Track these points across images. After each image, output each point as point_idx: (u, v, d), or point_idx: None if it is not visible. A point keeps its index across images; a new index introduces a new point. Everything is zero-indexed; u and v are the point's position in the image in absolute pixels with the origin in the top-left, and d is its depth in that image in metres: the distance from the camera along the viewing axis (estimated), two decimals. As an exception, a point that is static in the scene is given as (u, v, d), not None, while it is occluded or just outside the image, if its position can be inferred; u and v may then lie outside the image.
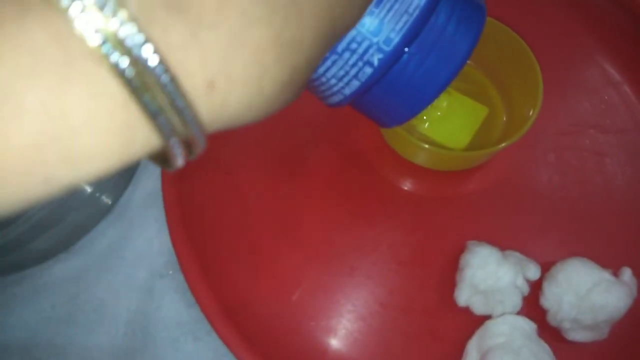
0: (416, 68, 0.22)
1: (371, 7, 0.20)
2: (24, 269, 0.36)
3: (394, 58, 0.21)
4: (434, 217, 0.36)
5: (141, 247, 0.36)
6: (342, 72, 0.21)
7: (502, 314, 0.32)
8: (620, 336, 0.32)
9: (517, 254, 0.33)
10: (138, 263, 0.36)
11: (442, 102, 0.38)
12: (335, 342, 0.33)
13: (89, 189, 0.36)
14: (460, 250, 0.34)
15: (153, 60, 0.12)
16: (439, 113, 0.38)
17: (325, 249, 0.35)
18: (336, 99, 0.23)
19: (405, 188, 0.37)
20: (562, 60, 0.41)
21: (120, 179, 0.38)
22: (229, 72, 0.13)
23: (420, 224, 0.36)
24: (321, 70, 0.21)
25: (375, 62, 0.21)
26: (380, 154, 0.38)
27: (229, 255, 0.34)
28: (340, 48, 0.21)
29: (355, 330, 0.33)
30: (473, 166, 0.37)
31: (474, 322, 0.32)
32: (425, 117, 0.38)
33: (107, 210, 0.37)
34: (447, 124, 0.38)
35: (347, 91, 0.22)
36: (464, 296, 0.32)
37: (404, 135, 0.33)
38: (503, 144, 0.33)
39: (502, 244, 0.34)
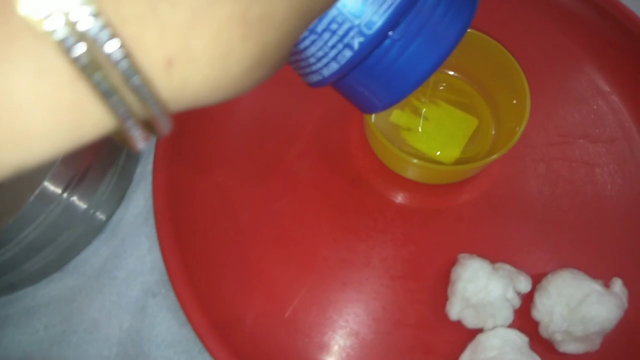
0: (399, 54, 0.21)
1: None
2: (17, 290, 0.36)
3: (375, 42, 0.20)
4: (425, 230, 0.36)
5: (133, 266, 0.36)
6: (320, 53, 0.20)
7: (494, 327, 0.32)
8: (612, 347, 0.32)
9: (508, 267, 0.33)
10: (130, 282, 0.36)
11: (432, 115, 0.38)
12: (328, 359, 0.33)
13: (83, 206, 0.36)
14: (452, 263, 0.34)
15: (104, 35, 0.11)
16: (427, 125, 0.38)
17: (317, 264, 0.35)
18: (314, 78, 0.22)
19: (396, 201, 0.37)
20: (550, 71, 0.41)
21: (113, 197, 0.38)
22: (190, 50, 0.12)
23: (412, 237, 0.36)
24: (300, 47, 0.20)
25: (356, 46, 0.20)
26: (371, 168, 0.38)
27: (221, 272, 0.34)
28: (319, 28, 0.19)
29: (348, 346, 0.33)
30: (463, 179, 0.37)
31: (466, 335, 0.32)
32: (415, 129, 0.38)
33: (99, 229, 0.37)
34: (437, 135, 0.38)
35: (326, 72, 0.21)
36: (455, 310, 0.32)
37: (393, 151, 0.33)
38: (492, 157, 0.33)
39: (493, 256, 0.34)
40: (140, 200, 0.38)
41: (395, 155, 0.34)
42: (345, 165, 0.38)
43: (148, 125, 0.13)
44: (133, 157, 0.39)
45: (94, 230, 0.37)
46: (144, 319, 0.34)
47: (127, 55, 0.11)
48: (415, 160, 0.33)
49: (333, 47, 0.20)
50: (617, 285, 0.33)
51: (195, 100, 0.13)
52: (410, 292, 0.34)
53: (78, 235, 0.36)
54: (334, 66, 0.21)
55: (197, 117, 0.38)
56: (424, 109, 0.38)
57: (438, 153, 0.37)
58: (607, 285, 0.33)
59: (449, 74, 0.40)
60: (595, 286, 0.32)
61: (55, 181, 0.33)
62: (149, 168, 0.39)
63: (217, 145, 0.39)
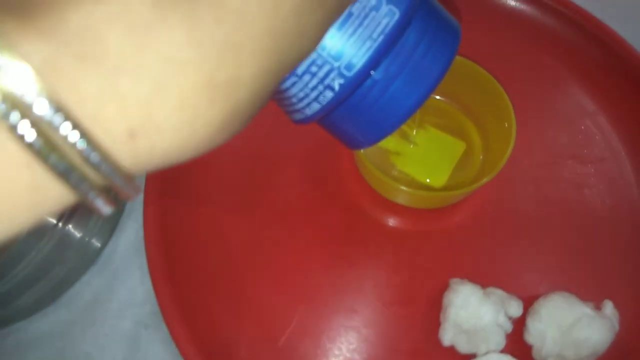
0: (381, 93, 0.21)
1: (333, 30, 0.19)
2: (10, 324, 0.36)
3: (356, 83, 0.20)
4: (417, 255, 0.36)
5: (126, 297, 0.36)
6: (302, 94, 0.20)
7: (487, 352, 0.32)
8: (605, 370, 0.32)
9: (499, 292, 0.33)
10: (123, 313, 0.36)
11: (420, 139, 0.39)
12: (322, 388, 0.33)
13: (78, 235, 0.36)
14: (444, 287, 0.34)
15: (58, 118, 0.11)
16: (416, 150, 0.38)
17: (310, 291, 0.35)
18: (297, 116, 0.22)
19: (387, 226, 0.37)
20: (537, 92, 0.42)
21: (105, 227, 0.38)
22: (154, 120, 0.12)
23: (403, 262, 0.36)
24: (282, 87, 0.21)
25: (336, 87, 0.20)
26: (361, 194, 0.38)
27: (213, 302, 0.34)
28: (299, 70, 0.20)
29: (341, 374, 0.33)
30: (453, 203, 0.37)
31: (460, 361, 0.32)
32: (403, 154, 0.38)
33: (91, 261, 0.37)
34: (425, 160, 0.38)
35: (308, 112, 0.21)
36: (448, 335, 0.32)
37: (383, 178, 0.33)
38: (481, 182, 0.33)
39: (485, 279, 0.34)
40: (131, 231, 0.38)
41: (385, 183, 0.34)
42: (336, 191, 0.38)
43: (110, 192, 0.13)
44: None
45: (87, 262, 0.37)
46: (137, 352, 0.34)
47: (84, 134, 0.11)
48: (404, 188, 0.33)
49: (314, 88, 0.20)
50: (608, 307, 0.33)
51: (164, 163, 0.14)
52: (403, 318, 0.35)
53: (70, 268, 0.36)
54: (316, 106, 0.21)
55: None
56: (412, 134, 0.39)
57: (427, 179, 0.37)
58: (598, 307, 0.33)
59: (436, 99, 0.40)
60: (586, 309, 0.32)
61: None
62: (140, 199, 0.39)
63: (207, 174, 0.39)
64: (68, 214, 0.35)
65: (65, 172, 0.11)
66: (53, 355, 0.35)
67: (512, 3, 0.44)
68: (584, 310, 0.32)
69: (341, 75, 0.20)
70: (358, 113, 0.22)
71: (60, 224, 0.35)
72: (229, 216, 0.37)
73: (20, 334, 0.36)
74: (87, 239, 0.37)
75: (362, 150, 0.35)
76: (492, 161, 0.36)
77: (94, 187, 0.12)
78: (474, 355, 0.32)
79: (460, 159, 0.38)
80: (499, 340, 0.32)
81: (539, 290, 0.35)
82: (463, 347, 0.32)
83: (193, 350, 0.31)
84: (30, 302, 0.35)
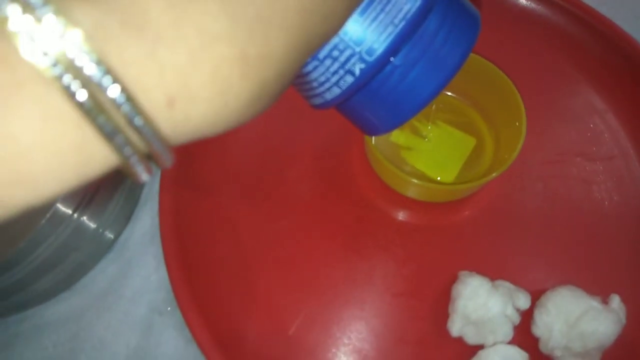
0: (400, 79, 0.21)
1: (356, 15, 0.19)
2: (27, 308, 0.37)
3: (376, 69, 0.20)
4: (426, 248, 0.37)
5: (140, 284, 0.37)
6: (323, 78, 0.21)
7: (494, 344, 0.33)
8: (611, 363, 0.33)
9: (508, 284, 0.34)
10: (137, 300, 0.36)
11: (431, 134, 0.39)
12: (331, 375, 0.33)
13: (92, 226, 0.37)
14: (452, 280, 0.35)
15: (107, 80, 0.12)
16: (427, 145, 0.39)
17: (320, 282, 0.36)
18: (317, 101, 0.22)
19: (397, 219, 0.38)
20: (547, 91, 0.42)
21: (120, 217, 0.39)
22: (190, 89, 0.13)
23: (413, 255, 0.37)
24: (303, 71, 0.21)
25: (357, 72, 0.20)
26: (372, 187, 0.39)
27: (225, 290, 0.35)
28: (321, 55, 0.20)
29: (350, 363, 0.34)
30: (462, 197, 0.38)
31: (468, 352, 0.33)
32: (414, 149, 0.39)
33: (107, 249, 0.38)
34: (436, 155, 0.39)
35: (328, 96, 0.22)
36: (456, 327, 0.33)
37: (393, 171, 0.34)
38: (490, 176, 0.34)
39: (493, 272, 0.34)
40: (146, 220, 0.39)
41: (396, 175, 0.34)
42: (347, 184, 0.39)
43: (151, 159, 0.13)
44: (140, 178, 0.40)
45: (102, 249, 0.38)
46: (150, 337, 0.35)
47: (129, 98, 0.12)
48: (415, 180, 0.34)
49: (335, 72, 0.20)
50: (615, 301, 0.33)
51: (196, 134, 0.14)
52: (412, 309, 0.35)
53: (86, 255, 0.37)
54: (336, 91, 0.21)
55: (202, 141, 0.39)
56: (424, 129, 0.39)
57: (437, 174, 0.38)
58: (605, 301, 0.33)
59: (447, 95, 0.41)
60: (593, 303, 0.32)
61: (67, 202, 0.34)
62: (155, 189, 0.39)
63: (221, 167, 0.39)
64: (86, 202, 0.35)
65: (111, 133, 0.12)
66: (68, 339, 0.36)
67: (523, 2, 0.45)
68: (590, 303, 0.32)
69: (362, 60, 0.20)
70: (377, 98, 0.22)
71: (76, 215, 0.35)
72: (242, 207, 0.38)
73: (36, 318, 0.37)
74: (101, 230, 0.37)
75: (373, 143, 0.36)
76: (501, 157, 0.37)
77: (136, 151, 0.13)
78: (481, 347, 0.33)
79: (471, 155, 0.39)
80: (507, 332, 0.33)
81: (547, 283, 0.35)
82: (471, 338, 0.33)
83: (206, 336, 0.32)
84: (46, 287, 0.36)
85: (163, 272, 0.36)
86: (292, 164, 0.40)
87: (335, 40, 0.20)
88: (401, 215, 0.38)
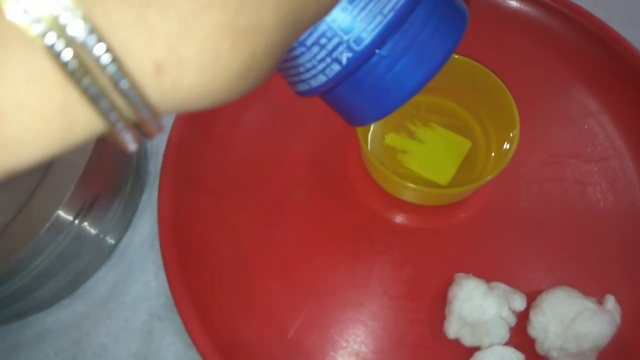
0: (386, 70, 0.21)
1: (345, 3, 0.19)
2: (28, 316, 0.37)
3: (363, 58, 0.20)
4: (422, 251, 0.37)
5: (140, 291, 0.37)
6: (309, 65, 0.21)
7: (491, 345, 0.33)
8: (606, 363, 0.33)
9: (503, 286, 0.34)
10: (137, 306, 0.37)
11: (426, 137, 0.40)
12: (330, 378, 0.34)
13: (93, 232, 0.37)
14: (449, 282, 0.35)
15: (91, 39, 0.11)
16: (422, 147, 0.39)
17: (318, 286, 0.36)
18: (302, 87, 0.22)
19: (393, 222, 0.38)
20: (541, 93, 0.43)
21: (120, 223, 0.39)
22: (179, 56, 0.12)
23: (409, 258, 0.37)
24: (289, 56, 0.21)
25: (344, 61, 0.20)
26: (368, 191, 0.39)
27: (224, 295, 0.36)
28: (309, 41, 0.20)
29: (349, 365, 0.34)
30: (458, 200, 0.38)
31: (465, 353, 0.33)
32: (410, 152, 0.39)
33: (107, 255, 0.38)
34: (431, 157, 0.39)
35: (314, 83, 0.22)
36: (453, 329, 0.33)
37: (389, 175, 0.34)
38: (485, 179, 0.34)
39: (489, 274, 0.35)
40: (146, 227, 0.39)
41: (392, 179, 0.35)
42: (343, 189, 0.39)
43: (138, 128, 0.13)
44: (139, 185, 0.41)
45: (103, 256, 0.38)
46: (151, 343, 0.35)
47: (115, 59, 0.12)
48: (410, 184, 0.34)
49: (322, 60, 0.20)
50: (610, 302, 0.33)
51: (183, 105, 0.14)
52: (409, 312, 0.35)
53: (87, 262, 0.37)
54: (322, 78, 0.21)
55: (200, 145, 0.40)
56: (419, 132, 0.40)
57: (433, 176, 0.38)
58: (600, 302, 0.34)
59: (442, 98, 0.41)
60: (588, 304, 0.33)
61: (68, 209, 0.35)
62: (154, 196, 0.40)
63: (219, 173, 0.40)
64: (86, 209, 0.36)
65: (97, 96, 0.12)
66: (69, 346, 0.36)
67: (516, 4, 0.45)
68: (586, 304, 0.33)
69: (349, 49, 0.20)
70: (362, 89, 0.22)
71: (77, 221, 0.36)
72: (241, 213, 0.39)
73: (38, 325, 0.37)
74: (102, 236, 0.38)
75: (369, 148, 0.36)
76: (496, 159, 0.37)
77: (123, 117, 0.13)
78: (478, 348, 0.33)
79: (466, 157, 0.39)
80: (503, 334, 0.33)
81: (542, 285, 0.35)
82: (467, 340, 0.33)
83: (205, 341, 0.32)
84: (47, 294, 0.36)
85: (162, 279, 0.36)
86: (290, 170, 0.40)
87: (323, 27, 0.20)
88: (398, 219, 0.38)
